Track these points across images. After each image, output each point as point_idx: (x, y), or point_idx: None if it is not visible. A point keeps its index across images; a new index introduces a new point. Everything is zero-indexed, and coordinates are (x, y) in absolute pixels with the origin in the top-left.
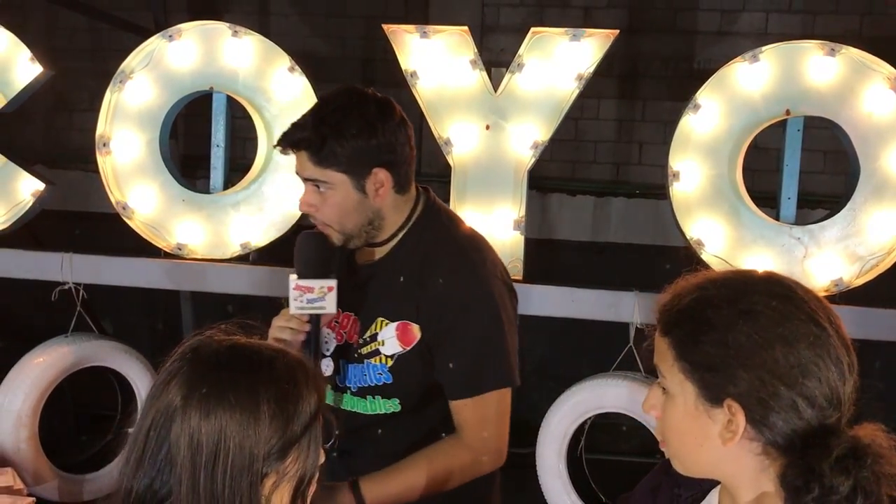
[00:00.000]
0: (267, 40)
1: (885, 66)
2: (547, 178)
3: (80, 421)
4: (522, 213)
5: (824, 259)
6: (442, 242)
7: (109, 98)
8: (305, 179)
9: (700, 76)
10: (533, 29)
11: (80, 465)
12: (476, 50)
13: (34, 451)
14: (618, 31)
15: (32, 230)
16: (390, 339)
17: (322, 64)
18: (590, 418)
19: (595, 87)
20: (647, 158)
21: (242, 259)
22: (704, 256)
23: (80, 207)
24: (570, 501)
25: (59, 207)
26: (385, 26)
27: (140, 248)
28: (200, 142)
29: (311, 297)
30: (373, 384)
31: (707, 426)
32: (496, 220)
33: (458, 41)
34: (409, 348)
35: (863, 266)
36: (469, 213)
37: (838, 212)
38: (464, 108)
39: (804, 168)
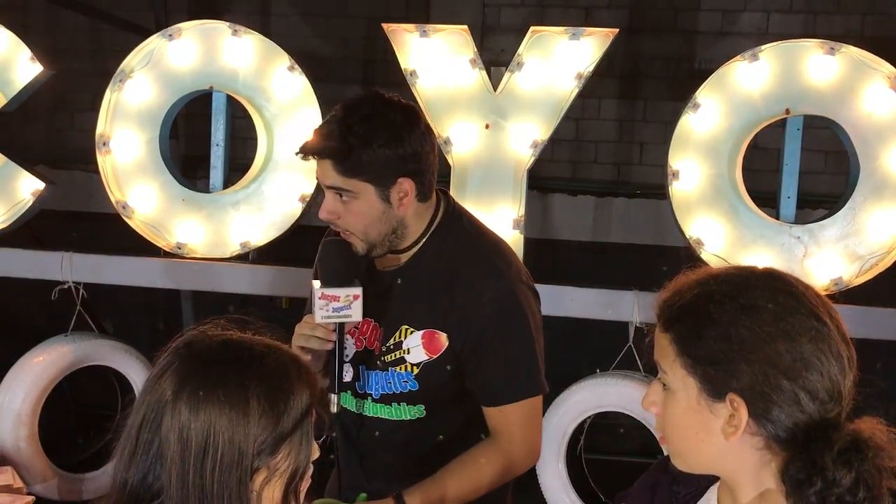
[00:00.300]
0: (267, 40)
1: (885, 65)
2: (548, 179)
3: (79, 420)
4: (522, 212)
5: (824, 258)
6: (466, 249)
7: (109, 97)
8: (328, 187)
9: (701, 76)
10: (532, 28)
11: (79, 463)
12: (476, 49)
13: (34, 450)
14: (617, 30)
15: (32, 230)
16: (416, 347)
17: (323, 64)
18: (589, 418)
19: (596, 87)
20: (648, 159)
21: (242, 258)
22: (704, 255)
23: (80, 207)
24: (570, 501)
25: (59, 207)
26: (385, 25)
27: (140, 247)
28: (200, 141)
29: (337, 305)
30: (398, 391)
31: (709, 421)
32: (496, 220)
33: (457, 40)
34: (435, 357)
35: (862, 265)
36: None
37: (838, 211)
38: (463, 107)
39: (804, 168)
